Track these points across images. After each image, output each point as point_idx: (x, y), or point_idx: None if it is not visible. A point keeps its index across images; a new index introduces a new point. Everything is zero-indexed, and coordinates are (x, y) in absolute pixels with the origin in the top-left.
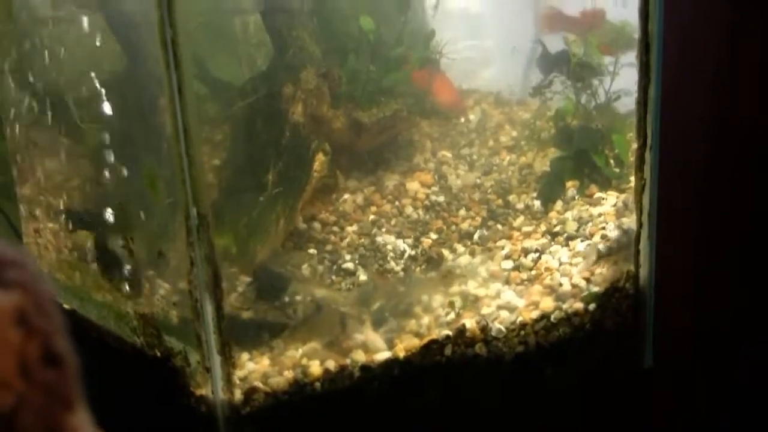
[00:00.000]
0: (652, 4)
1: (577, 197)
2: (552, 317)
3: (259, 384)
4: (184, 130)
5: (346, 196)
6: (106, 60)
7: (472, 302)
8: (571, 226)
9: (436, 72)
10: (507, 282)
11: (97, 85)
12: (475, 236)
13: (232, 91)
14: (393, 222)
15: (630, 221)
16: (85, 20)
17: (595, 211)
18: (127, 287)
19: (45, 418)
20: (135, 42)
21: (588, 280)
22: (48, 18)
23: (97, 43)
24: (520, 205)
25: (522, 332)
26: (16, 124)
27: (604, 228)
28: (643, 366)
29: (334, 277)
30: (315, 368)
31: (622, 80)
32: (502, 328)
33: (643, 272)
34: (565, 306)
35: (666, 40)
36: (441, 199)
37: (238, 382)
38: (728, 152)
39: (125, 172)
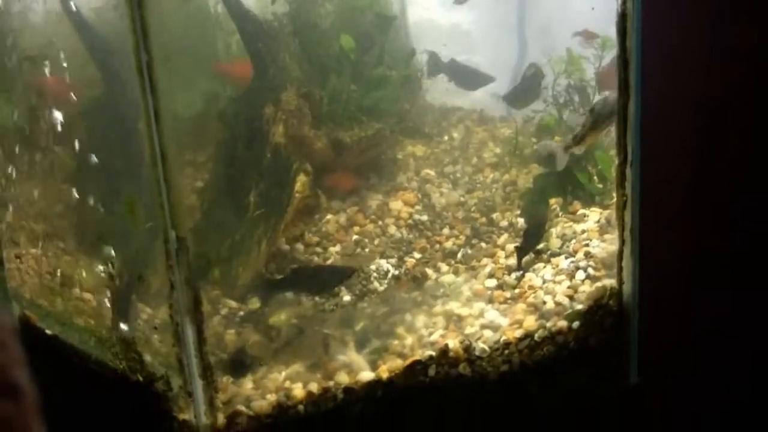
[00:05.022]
0: (630, 20)
1: (560, 214)
2: (536, 336)
3: (242, 407)
4: (161, 155)
5: (329, 216)
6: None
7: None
8: (555, 243)
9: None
10: (490, 301)
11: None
12: (459, 255)
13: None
14: (376, 242)
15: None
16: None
17: (578, 227)
18: None
19: None
20: (113, 67)
21: (571, 298)
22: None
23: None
24: (504, 223)
25: (506, 351)
26: None
27: (587, 245)
28: (629, 382)
29: (317, 298)
30: (298, 391)
31: None
32: (486, 348)
33: (627, 289)
34: (548, 324)
35: (647, 55)
36: (424, 218)
37: (221, 405)
38: (711, 167)
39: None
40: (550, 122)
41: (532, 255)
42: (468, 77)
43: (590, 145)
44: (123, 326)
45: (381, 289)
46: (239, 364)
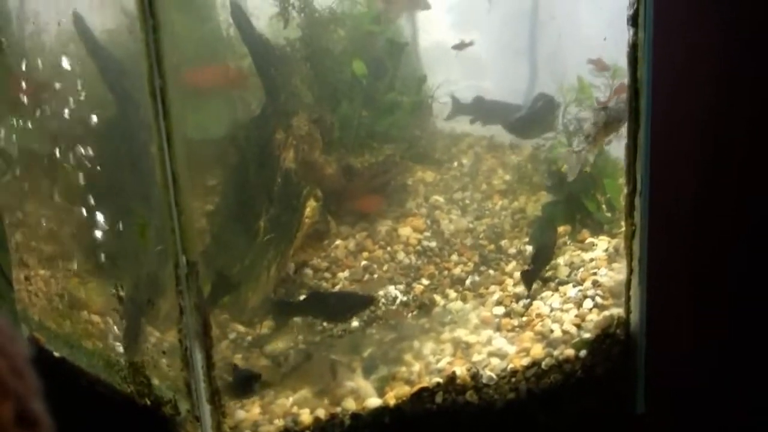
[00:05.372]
0: (641, 49)
1: (568, 242)
2: (543, 364)
3: None
4: (173, 179)
5: (338, 241)
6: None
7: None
8: (563, 272)
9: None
10: (498, 328)
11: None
12: (467, 282)
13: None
14: (385, 268)
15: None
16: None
17: (586, 256)
18: None
19: None
20: (126, 90)
21: (579, 326)
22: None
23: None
24: (513, 250)
25: (513, 379)
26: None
27: (595, 273)
28: (636, 412)
29: (325, 324)
30: (305, 416)
31: None
32: (493, 375)
33: (634, 318)
34: (555, 353)
35: (656, 85)
36: (433, 244)
37: (228, 430)
38: (718, 198)
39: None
40: (561, 150)
41: (539, 283)
42: (495, 113)
43: (599, 173)
44: (131, 350)
45: (389, 315)
46: (245, 382)
